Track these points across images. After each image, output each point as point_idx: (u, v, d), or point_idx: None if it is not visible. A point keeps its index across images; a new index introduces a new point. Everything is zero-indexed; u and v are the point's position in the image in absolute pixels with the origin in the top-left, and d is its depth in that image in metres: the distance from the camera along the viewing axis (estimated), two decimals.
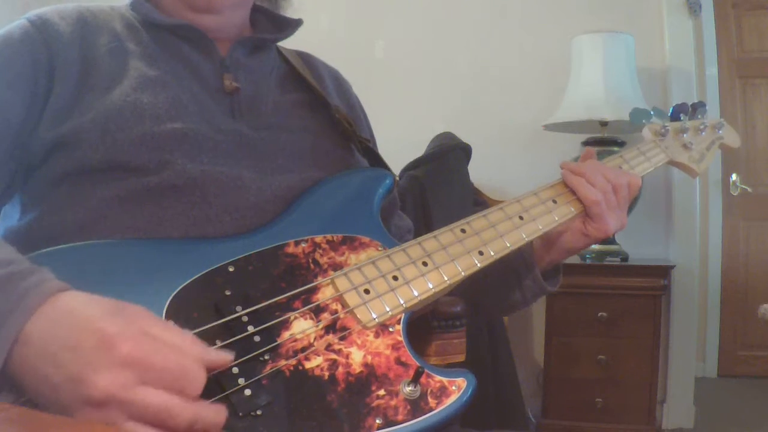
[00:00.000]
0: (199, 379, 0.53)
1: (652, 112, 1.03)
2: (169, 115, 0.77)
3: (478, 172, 2.59)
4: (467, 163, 2.45)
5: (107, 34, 0.82)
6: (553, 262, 0.96)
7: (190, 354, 0.54)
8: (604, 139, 2.56)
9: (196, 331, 0.62)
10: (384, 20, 3.17)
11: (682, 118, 1.05)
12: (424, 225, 2.16)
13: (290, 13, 0.95)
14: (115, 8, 0.87)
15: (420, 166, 2.34)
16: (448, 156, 2.38)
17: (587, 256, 2.57)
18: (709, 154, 1.06)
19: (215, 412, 0.54)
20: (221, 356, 0.57)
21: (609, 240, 2.58)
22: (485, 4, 3.04)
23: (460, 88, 3.04)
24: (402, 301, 0.72)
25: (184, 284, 0.65)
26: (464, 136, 2.48)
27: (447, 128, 2.60)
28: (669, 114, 1.05)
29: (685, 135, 1.04)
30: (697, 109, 1.07)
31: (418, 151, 2.46)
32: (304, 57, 1.00)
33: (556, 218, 0.88)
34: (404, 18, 3.13)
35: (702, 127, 1.06)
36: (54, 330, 0.52)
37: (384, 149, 0.97)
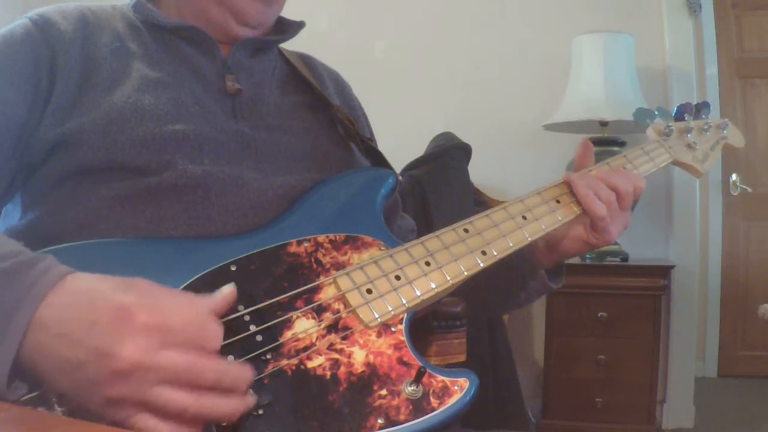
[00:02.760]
0: (217, 331, 0.55)
1: (656, 112, 1.03)
2: (171, 117, 0.77)
3: (478, 172, 2.59)
4: (467, 163, 2.45)
5: (109, 34, 0.82)
6: (555, 263, 0.96)
7: (202, 309, 0.56)
8: (604, 139, 2.56)
9: None
10: (384, 20, 3.17)
11: (686, 118, 1.05)
12: (425, 225, 2.16)
13: (290, 13, 0.95)
14: (117, 8, 0.87)
15: (420, 166, 2.34)
16: (448, 156, 2.38)
17: (587, 256, 2.57)
18: (712, 154, 1.05)
19: (240, 367, 0.56)
20: (225, 297, 0.59)
21: None
22: (485, 4, 3.04)
23: (460, 88, 3.04)
24: (404, 301, 0.72)
25: (186, 283, 0.65)
26: (464, 136, 2.48)
27: (447, 128, 2.60)
28: (673, 114, 1.05)
29: (689, 135, 1.04)
30: (701, 109, 1.07)
31: (418, 151, 2.46)
32: (305, 58, 1.01)
33: (560, 218, 0.87)
34: (404, 18, 3.13)
35: (706, 127, 1.06)
36: (68, 311, 0.52)
37: (384, 149, 0.96)
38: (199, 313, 0.55)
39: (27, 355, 0.52)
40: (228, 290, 0.60)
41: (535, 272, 0.93)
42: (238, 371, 0.55)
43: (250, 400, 0.58)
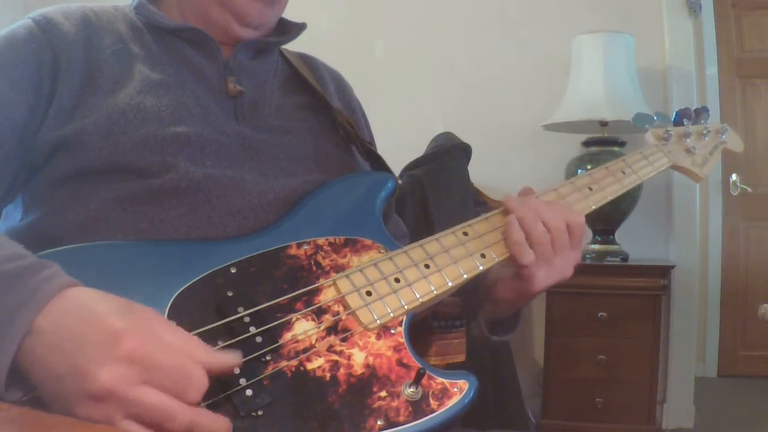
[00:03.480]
0: (201, 384, 0.54)
1: (655, 117, 1.03)
2: (173, 119, 0.77)
3: (478, 172, 2.59)
4: (467, 163, 2.45)
5: (111, 36, 0.82)
6: (501, 315, 0.90)
7: (195, 357, 0.54)
8: (604, 139, 2.56)
9: (198, 331, 0.63)
10: (384, 20, 3.17)
11: (685, 123, 1.05)
12: (425, 225, 2.16)
13: (290, 13, 0.95)
14: (119, 9, 0.87)
15: (420, 166, 2.34)
16: (448, 156, 2.38)
17: (587, 256, 2.57)
18: (712, 158, 1.05)
19: (214, 420, 0.54)
20: (227, 359, 0.57)
21: (609, 240, 2.59)
22: (485, 4, 3.04)
23: (460, 88, 3.04)
24: (404, 303, 0.72)
25: (187, 285, 0.66)
26: (464, 136, 2.48)
27: (447, 128, 2.60)
28: (672, 119, 1.05)
29: (688, 140, 1.04)
30: (700, 113, 1.07)
31: (418, 151, 2.46)
32: (306, 59, 1.01)
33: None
34: (404, 18, 3.13)
35: (705, 131, 1.06)
36: (64, 322, 0.52)
37: (384, 149, 0.97)
38: (191, 359, 0.53)
39: (22, 360, 0.52)
40: (233, 357, 0.58)
41: (478, 323, 0.89)
42: (212, 424, 0.53)
43: None
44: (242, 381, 0.61)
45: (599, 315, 2.44)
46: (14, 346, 0.51)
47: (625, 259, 2.56)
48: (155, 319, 0.55)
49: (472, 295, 0.89)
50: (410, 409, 0.66)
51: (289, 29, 0.95)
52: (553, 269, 0.80)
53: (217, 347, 0.63)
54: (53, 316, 0.53)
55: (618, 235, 2.62)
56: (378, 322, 0.70)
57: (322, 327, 0.68)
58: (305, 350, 0.66)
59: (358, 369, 0.67)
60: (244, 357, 0.62)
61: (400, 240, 0.96)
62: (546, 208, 0.80)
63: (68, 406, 0.50)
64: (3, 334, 0.51)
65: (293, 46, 0.98)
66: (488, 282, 0.86)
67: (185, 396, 0.52)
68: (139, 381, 0.50)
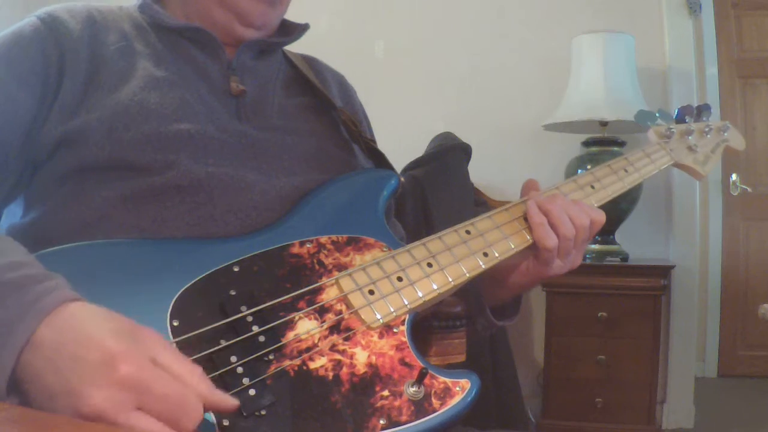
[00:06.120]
0: (197, 415, 0.51)
1: (657, 114, 1.03)
2: (176, 116, 0.77)
3: (478, 172, 2.59)
4: (467, 163, 2.45)
5: (116, 34, 0.82)
6: (504, 299, 0.93)
7: (194, 388, 0.52)
8: (604, 139, 2.56)
9: (201, 330, 0.62)
10: (384, 20, 3.17)
11: (687, 121, 1.05)
12: (425, 225, 2.16)
13: (290, 13, 0.95)
14: (124, 9, 0.88)
15: (420, 166, 2.34)
16: (448, 156, 2.37)
17: (587, 256, 2.57)
18: (713, 156, 1.05)
19: None
20: (226, 400, 0.55)
21: (609, 240, 2.59)
22: (485, 4, 3.04)
23: (460, 88, 3.04)
24: (406, 302, 0.72)
25: (189, 284, 0.66)
26: (464, 136, 2.48)
27: (447, 128, 2.60)
28: (674, 116, 1.05)
29: (690, 137, 1.04)
30: (702, 111, 1.07)
31: (418, 151, 2.46)
32: (310, 61, 1.01)
33: None
34: (404, 18, 3.13)
35: (707, 129, 1.06)
36: (61, 338, 0.50)
37: (384, 149, 0.97)
38: (189, 389, 0.51)
39: (20, 371, 0.50)
40: (231, 400, 0.55)
41: (482, 309, 0.91)
42: None
43: None
44: (245, 380, 0.61)
45: (599, 315, 2.45)
46: (14, 357, 0.49)
47: (625, 259, 2.56)
48: (157, 344, 0.52)
49: (477, 282, 0.89)
50: (412, 408, 0.66)
51: (292, 30, 0.95)
52: (568, 260, 0.85)
53: (220, 346, 0.62)
54: (51, 330, 0.50)
55: (618, 235, 2.63)
56: (381, 321, 0.70)
57: (325, 326, 0.68)
58: (308, 349, 0.66)
59: (361, 368, 0.67)
60: (247, 356, 0.62)
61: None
62: (572, 205, 0.84)
63: None
64: (2, 345, 0.50)
65: (294, 47, 0.98)
66: (500, 266, 0.86)
67: (179, 425, 0.50)
68: (131, 407, 0.48)
